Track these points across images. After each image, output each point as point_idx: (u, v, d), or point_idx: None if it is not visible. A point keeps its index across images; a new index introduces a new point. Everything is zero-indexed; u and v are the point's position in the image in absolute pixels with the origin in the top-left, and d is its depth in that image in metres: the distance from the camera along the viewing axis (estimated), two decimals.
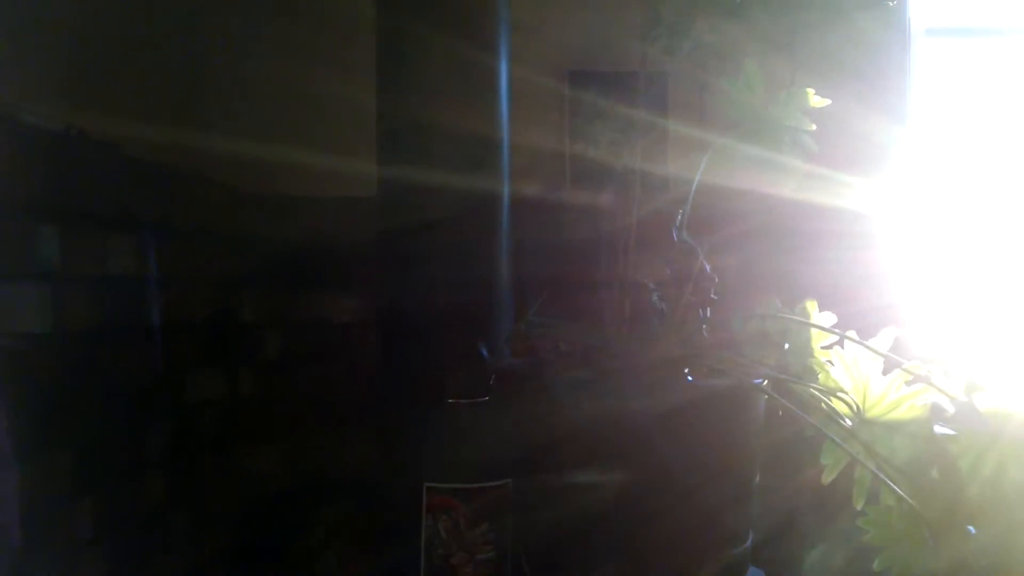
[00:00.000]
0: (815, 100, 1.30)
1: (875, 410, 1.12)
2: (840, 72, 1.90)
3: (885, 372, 1.11)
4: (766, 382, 1.16)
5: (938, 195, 2.07)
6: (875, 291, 1.86)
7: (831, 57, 1.90)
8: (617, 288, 1.30)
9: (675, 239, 1.23)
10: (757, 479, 1.21)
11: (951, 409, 1.07)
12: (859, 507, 1.08)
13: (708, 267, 1.20)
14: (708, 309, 1.22)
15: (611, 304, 1.31)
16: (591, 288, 1.53)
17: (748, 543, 1.19)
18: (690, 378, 1.19)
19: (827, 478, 1.11)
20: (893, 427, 1.10)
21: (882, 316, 1.21)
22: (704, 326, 1.20)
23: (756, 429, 1.19)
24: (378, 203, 1.38)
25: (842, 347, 1.13)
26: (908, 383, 1.10)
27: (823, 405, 1.12)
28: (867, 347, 1.11)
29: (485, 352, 1.23)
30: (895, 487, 1.02)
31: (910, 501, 1.00)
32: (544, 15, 1.95)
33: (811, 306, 1.22)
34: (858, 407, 1.12)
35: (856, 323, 1.16)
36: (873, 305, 1.80)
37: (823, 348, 1.19)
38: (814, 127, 1.29)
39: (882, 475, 1.04)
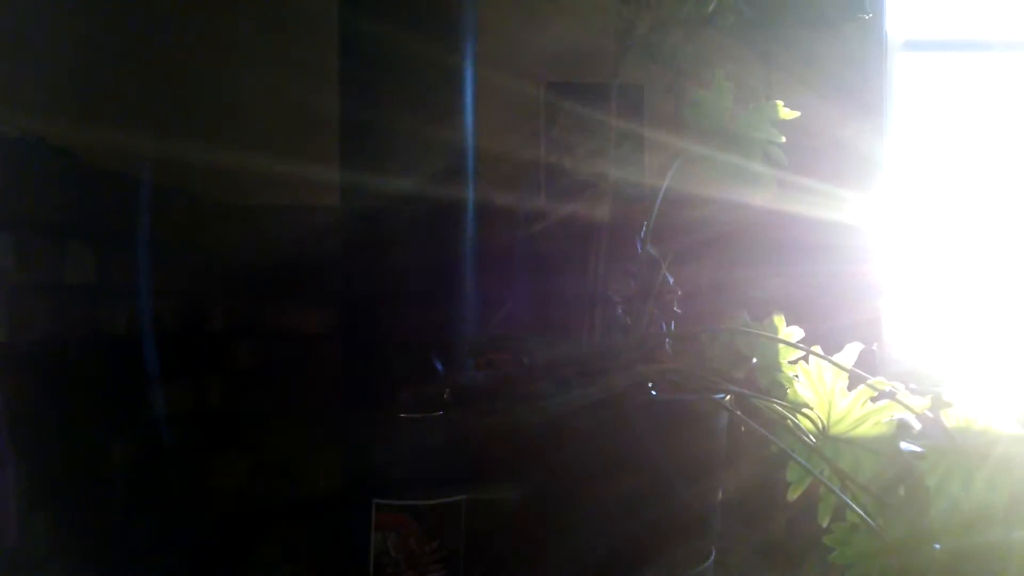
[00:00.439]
0: (785, 112, 1.28)
1: (840, 426, 1.09)
2: (817, 84, 1.89)
3: (851, 388, 1.09)
4: (728, 397, 1.14)
5: (916, 207, 2.06)
6: (852, 304, 1.84)
7: (808, 69, 1.90)
8: (586, 301, 1.28)
9: (639, 251, 1.21)
10: (720, 495, 1.19)
11: (918, 426, 1.05)
12: (824, 525, 1.05)
13: (671, 279, 1.18)
14: (672, 322, 1.19)
15: (579, 317, 1.28)
16: (560, 301, 1.52)
17: (710, 561, 1.16)
18: (654, 393, 1.17)
19: (792, 495, 1.09)
20: (857, 444, 1.08)
21: (860, 331, 1.19)
22: (668, 339, 1.18)
23: (719, 445, 1.17)
24: (340, 212, 1.36)
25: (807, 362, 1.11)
26: (873, 399, 1.07)
27: (788, 422, 1.10)
28: (831, 362, 1.09)
29: (440, 365, 1.20)
30: (855, 507, 0.99)
31: (870, 521, 0.98)
32: (522, 27, 1.94)
33: (779, 320, 1.20)
34: (823, 423, 1.10)
35: (835, 338, 1.13)
36: (853, 320, 1.79)
37: (791, 363, 1.17)
38: (784, 139, 1.27)
39: (844, 495, 1.02)
